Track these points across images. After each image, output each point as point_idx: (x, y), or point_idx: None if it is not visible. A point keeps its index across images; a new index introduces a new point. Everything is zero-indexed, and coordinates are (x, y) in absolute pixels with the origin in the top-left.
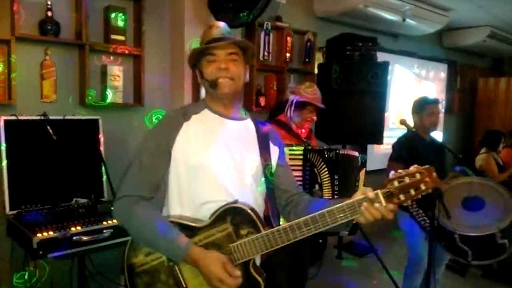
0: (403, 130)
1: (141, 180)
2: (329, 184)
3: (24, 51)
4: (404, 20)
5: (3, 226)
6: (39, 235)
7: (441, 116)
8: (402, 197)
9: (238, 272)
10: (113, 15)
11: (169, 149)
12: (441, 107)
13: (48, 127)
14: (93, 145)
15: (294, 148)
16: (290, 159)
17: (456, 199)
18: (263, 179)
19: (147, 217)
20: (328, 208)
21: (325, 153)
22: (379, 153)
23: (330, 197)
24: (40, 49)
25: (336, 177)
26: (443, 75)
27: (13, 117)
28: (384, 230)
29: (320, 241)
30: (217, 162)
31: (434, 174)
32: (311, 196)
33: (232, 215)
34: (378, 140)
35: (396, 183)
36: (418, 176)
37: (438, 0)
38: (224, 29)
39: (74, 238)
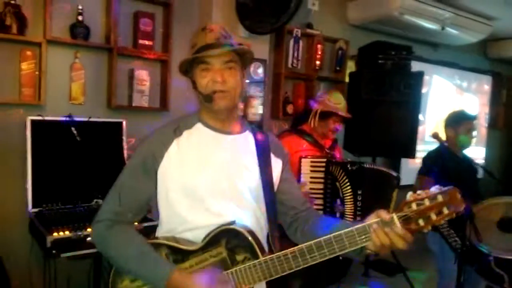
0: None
1: (120, 203)
2: (352, 199)
3: (55, 53)
4: (443, 28)
5: (26, 223)
6: (55, 234)
7: (483, 131)
8: (421, 222)
9: (227, 277)
10: (141, 20)
11: (155, 167)
12: (485, 122)
13: (73, 128)
14: (116, 147)
15: (316, 160)
16: (311, 170)
17: (491, 220)
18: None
19: (122, 243)
20: (336, 233)
21: (348, 166)
22: (413, 168)
23: (352, 214)
24: (70, 52)
25: (359, 192)
26: (486, 87)
27: (39, 117)
28: (415, 248)
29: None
30: (212, 183)
31: (459, 196)
32: (323, 212)
33: (227, 238)
34: (410, 153)
35: (414, 206)
36: (440, 198)
37: (481, 8)
38: (219, 32)
39: (88, 239)
